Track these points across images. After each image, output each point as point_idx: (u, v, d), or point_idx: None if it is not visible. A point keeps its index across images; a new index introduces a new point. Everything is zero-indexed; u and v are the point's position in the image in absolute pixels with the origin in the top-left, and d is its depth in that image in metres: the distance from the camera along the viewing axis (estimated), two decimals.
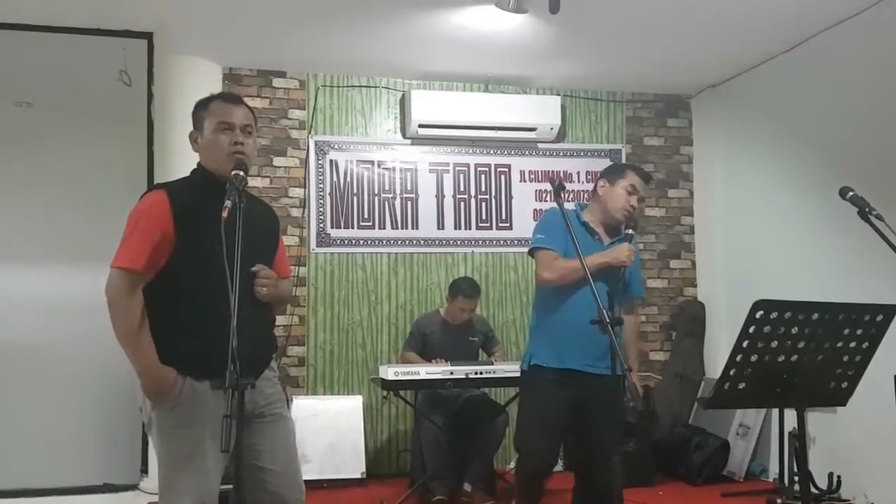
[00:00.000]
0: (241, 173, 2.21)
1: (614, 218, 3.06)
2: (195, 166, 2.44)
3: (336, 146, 5.34)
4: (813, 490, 4.17)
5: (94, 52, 4.65)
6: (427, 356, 4.65)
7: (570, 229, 2.70)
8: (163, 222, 2.23)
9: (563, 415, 2.97)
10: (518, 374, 4.26)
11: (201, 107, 2.42)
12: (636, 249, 3.15)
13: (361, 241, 5.33)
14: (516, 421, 3.24)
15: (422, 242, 5.43)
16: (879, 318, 2.14)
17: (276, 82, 5.28)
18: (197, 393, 2.21)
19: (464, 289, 4.63)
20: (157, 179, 4.63)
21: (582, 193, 5.65)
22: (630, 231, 2.98)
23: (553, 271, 2.97)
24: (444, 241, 5.46)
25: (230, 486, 2.15)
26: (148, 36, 4.71)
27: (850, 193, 2.44)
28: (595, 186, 3.19)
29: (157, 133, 4.74)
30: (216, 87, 5.01)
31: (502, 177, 5.59)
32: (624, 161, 5.74)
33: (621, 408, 2.94)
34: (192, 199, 2.28)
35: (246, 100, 5.32)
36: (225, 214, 2.05)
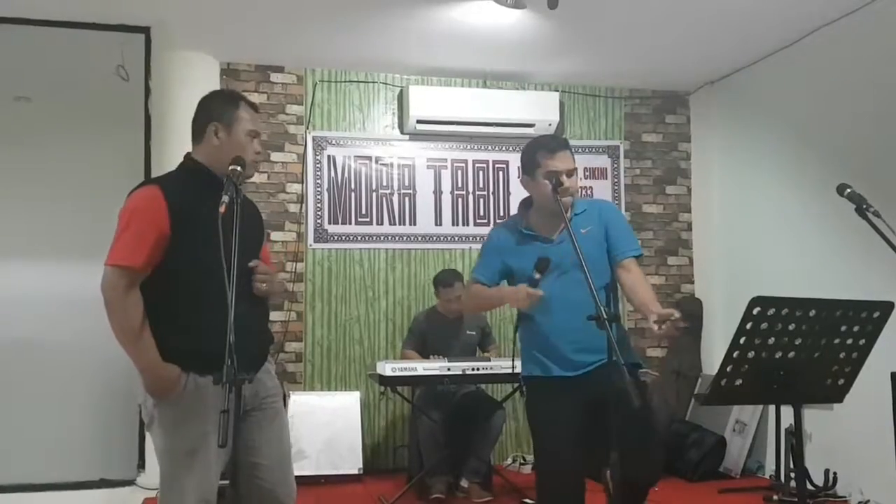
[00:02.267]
0: (239, 168, 2.20)
1: (553, 210, 2.69)
2: (189, 159, 2.39)
3: (334, 142, 5.33)
4: (809, 486, 4.18)
5: (91, 46, 4.65)
6: (427, 352, 4.66)
7: (502, 251, 2.76)
8: (159, 218, 2.19)
9: (577, 421, 2.59)
10: (515, 371, 4.31)
11: (231, 104, 2.38)
12: (612, 207, 2.95)
13: (359, 237, 5.33)
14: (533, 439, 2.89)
15: (419, 238, 5.42)
16: (876, 314, 2.14)
17: (274, 77, 5.27)
18: (200, 388, 2.19)
19: (442, 280, 4.71)
20: (155, 174, 4.61)
21: (580, 190, 5.63)
22: (537, 277, 2.57)
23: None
24: (441, 238, 5.46)
25: (226, 482, 2.16)
26: (145, 30, 4.71)
27: (848, 190, 2.44)
28: (522, 185, 2.87)
29: (154, 128, 4.74)
30: (214, 82, 5.00)
31: (500, 173, 5.59)
32: (622, 156, 5.75)
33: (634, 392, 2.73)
34: (186, 195, 2.25)
35: (243, 94, 5.32)
36: (222, 210, 2.03)
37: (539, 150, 2.72)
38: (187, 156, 2.40)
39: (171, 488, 2.22)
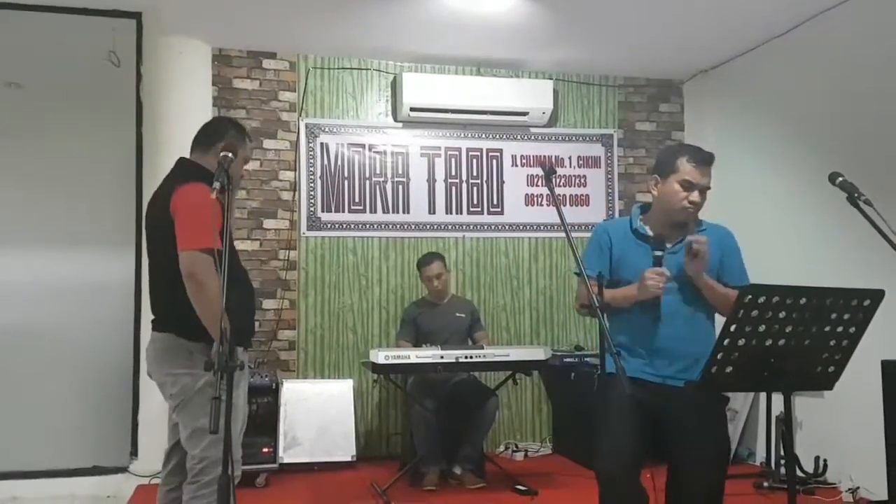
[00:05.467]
0: (230, 155, 2.27)
1: (675, 220, 2.62)
2: (197, 164, 2.67)
3: (327, 129, 5.31)
4: (799, 473, 4.21)
5: (82, 32, 4.61)
6: (420, 340, 4.68)
7: (611, 246, 2.63)
8: (219, 214, 2.35)
9: (638, 417, 2.48)
10: (508, 359, 4.33)
11: (245, 134, 2.77)
12: (732, 236, 2.73)
13: (352, 225, 5.32)
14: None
15: (413, 227, 5.42)
16: (867, 302, 2.14)
17: (267, 63, 5.23)
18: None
19: (421, 261, 4.84)
20: (146, 160, 4.61)
21: (573, 178, 5.66)
22: (658, 254, 2.51)
23: (579, 301, 2.68)
24: (435, 226, 5.45)
25: None
26: (137, 16, 4.68)
27: (840, 179, 2.44)
28: (649, 184, 2.73)
29: (146, 114, 4.71)
30: (206, 68, 4.97)
31: (494, 161, 5.58)
32: (615, 145, 5.74)
33: (717, 420, 2.67)
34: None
35: (235, 81, 5.35)
36: (214, 196, 2.09)
37: (683, 156, 2.59)
38: (192, 161, 2.67)
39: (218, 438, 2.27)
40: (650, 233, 2.65)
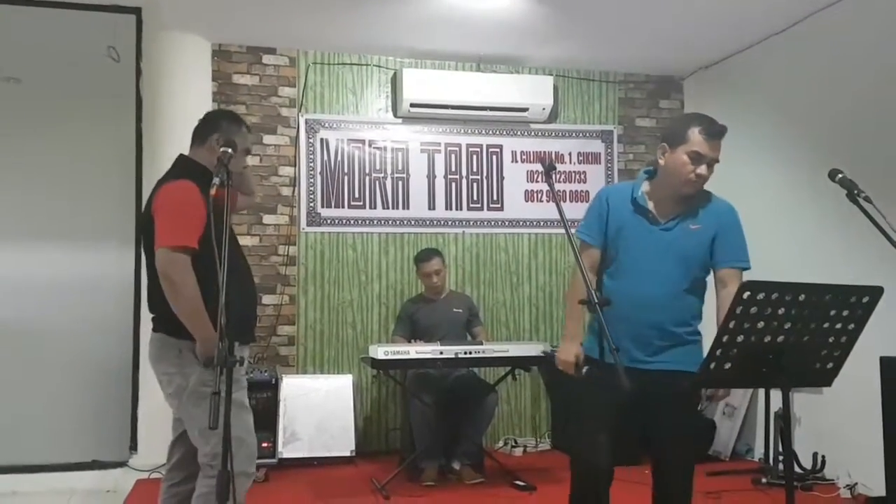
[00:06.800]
0: (230, 150, 2.27)
1: (679, 192, 2.57)
2: (191, 160, 2.65)
3: (327, 125, 5.30)
4: (797, 469, 4.23)
5: (82, 27, 4.62)
6: (418, 336, 4.69)
7: (608, 214, 2.56)
8: (202, 210, 2.38)
9: (615, 409, 2.45)
10: (507, 355, 4.35)
11: (236, 123, 2.70)
12: (733, 212, 2.70)
13: (352, 221, 5.32)
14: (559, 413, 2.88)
15: (413, 222, 5.42)
16: (865, 299, 2.14)
17: (266, 59, 5.22)
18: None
19: (418, 256, 4.86)
20: (146, 156, 4.61)
21: (573, 174, 5.66)
22: (584, 370, 2.51)
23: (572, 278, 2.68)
24: (434, 222, 5.45)
25: None
26: (137, 11, 4.69)
27: (840, 175, 2.44)
28: (657, 152, 2.65)
29: (145, 109, 4.71)
30: (205, 63, 4.96)
31: (494, 157, 5.58)
32: (615, 141, 5.74)
33: (690, 406, 2.66)
34: (207, 190, 2.34)
35: (235, 76, 5.34)
36: (213, 192, 2.09)
37: (695, 127, 2.54)
38: (186, 158, 2.66)
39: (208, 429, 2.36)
40: (650, 206, 2.61)
